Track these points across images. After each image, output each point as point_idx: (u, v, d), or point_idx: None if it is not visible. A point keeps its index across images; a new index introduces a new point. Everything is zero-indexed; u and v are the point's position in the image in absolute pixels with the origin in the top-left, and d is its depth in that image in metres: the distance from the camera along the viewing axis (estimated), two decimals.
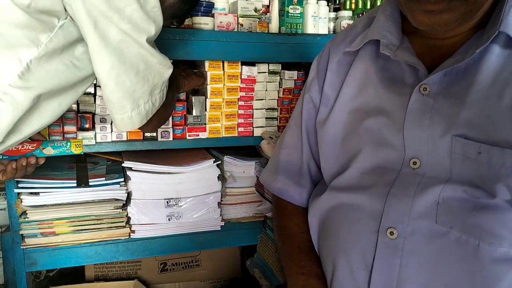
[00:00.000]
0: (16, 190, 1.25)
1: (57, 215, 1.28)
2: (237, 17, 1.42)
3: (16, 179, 1.21)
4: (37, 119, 0.90)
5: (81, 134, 1.28)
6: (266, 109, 1.49)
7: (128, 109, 0.95)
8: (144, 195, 1.36)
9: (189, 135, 1.40)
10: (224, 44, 1.35)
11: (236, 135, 1.46)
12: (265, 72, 1.46)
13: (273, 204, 1.06)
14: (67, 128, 1.26)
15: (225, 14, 1.41)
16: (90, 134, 1.29)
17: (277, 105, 1.51)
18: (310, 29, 1.56)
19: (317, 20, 1.58)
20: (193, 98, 1.38)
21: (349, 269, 0.76)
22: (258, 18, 1.47)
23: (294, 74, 1.50)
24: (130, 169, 1.35)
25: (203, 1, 1.38)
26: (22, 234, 1.27)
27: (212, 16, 1.40)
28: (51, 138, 1.25)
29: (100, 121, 1.30)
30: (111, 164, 1.44)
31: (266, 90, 1.48)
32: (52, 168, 1.36)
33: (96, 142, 1.30)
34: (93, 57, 0.87)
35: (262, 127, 1.49)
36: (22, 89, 0.82)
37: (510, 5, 0.70)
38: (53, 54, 0.85)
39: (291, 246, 0.91)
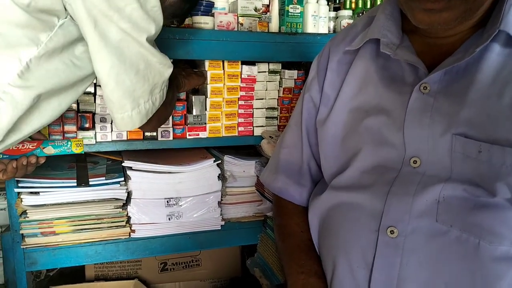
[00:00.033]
0: (16, 190, 1.25)
1: (57, 215, 1.28)
2: (237, 17, 1.43)
3: (16, 179, 1.21)
4: (37, 118, 0.90)
5: (81, 134, 1.28)
6: (266, 109, 1.49)
7: (128, 108, 0.95)
8: (144, 195, 1.36)
9: (189, 135, 1.40)
10: (224, 44, 1.35)
11: (236, 134, 1.46)
12: (265, 72, 1.46)
13: (274, 204, 1.06)
14: (67, 127, 1.26)
15: (225, 14, 1.41)
16: (90, 133, 1.29)
17: (277, 105, 1.51)
18: (310, 28, 1.56)
19: (317, 19, 1.58)
20: (193, 98, 1.38)
21: (349, 268, 0.76)
22: (258, 17, 1.47)
23: (294, 73, 1.50)
24: (130, 168, 1.35)
25: (203, 1, 1.37)
26: (22, 234, 1.27)
27: (212, 15, 1.40)
28: (51, 137, 1.24)
29: (100, 121, 1.30)
30: (111, 163, 1.44)
31: (266, 90, 1.48)
32: (52, 167, 1.36)
33: (96, 141, 1.30)
34: (93, 56, 0.87)
35: (262, 126, 1.49)
36: (22, 88, 0.82)
37: (510, 3, 0.70)
38: (53, 54, 0.85)
39: (291, 245, 0.91)
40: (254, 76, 1.43)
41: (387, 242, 0.72)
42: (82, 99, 1.30)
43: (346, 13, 1.69)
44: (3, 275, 1.34)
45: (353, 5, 1.82)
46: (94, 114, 1.31)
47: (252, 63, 1.43)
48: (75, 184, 1.28)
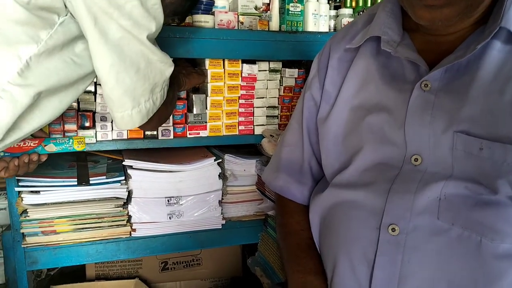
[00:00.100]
0: (17, 189, 1.24)
1: (58, 214, 1.27)
2: (238, 15, 1.42)
3: (16, 178, 1.21)
4: (37, 117, 0.89)
5: (82, 133, 1.27)
6: (266, 107, 1.49)
7: (128, 107, 0.95)
8: (145, 194, 1.36)
9: (189, 134, 1.40)
10: (224, 42, 1.34)
11: (237, 133, 1.46)
12: (265, 70, 1.46)
13: (275, 202, 1.06)
14: (67, 126, 1.26)
15: (226, 12, 1.40)
16: (91, 132, 1.29)
17: (278, 103, 1.51)
18: (311, 27, 1.56)
19: (318, 18, 1.57)
20: (194, 96, 1.38)
21: (350, 266, 0.76)
22: (259, 16, 1.47)
23: (294, 72, 1.49)
24: (131, 167, 1.35)
25: None
26: (23, 233, 1.27)
27: (213, 14, 1.40)
28: (52, 136, 1.24)
29: (101, 120, 1.30)
30: (112, 162, 1.44)
31: (267, 88, 1.48)
32: (53, 166, 1.35)
33: (96, 140, 1.30)
34: (93, 54, 0.87)
35: (262, 125, 1.48)
36: (22, 86, 0.81)
37: (511, 0, 0.70)
38: (53, 51, 0.84)
39: (291, 244, 0.91)
40: (255, 75, 1.43)
41: (388, 239, 0.72)
42: (83, 98, 1.30)
43: (347, 11, 1.69)
44: (4, 274, 1.33)
45: (353, 4, 1.81)
46: (94, 113, 1.31)
47: (252, 61, 1.43)
48: (76, 183, 1.28)
